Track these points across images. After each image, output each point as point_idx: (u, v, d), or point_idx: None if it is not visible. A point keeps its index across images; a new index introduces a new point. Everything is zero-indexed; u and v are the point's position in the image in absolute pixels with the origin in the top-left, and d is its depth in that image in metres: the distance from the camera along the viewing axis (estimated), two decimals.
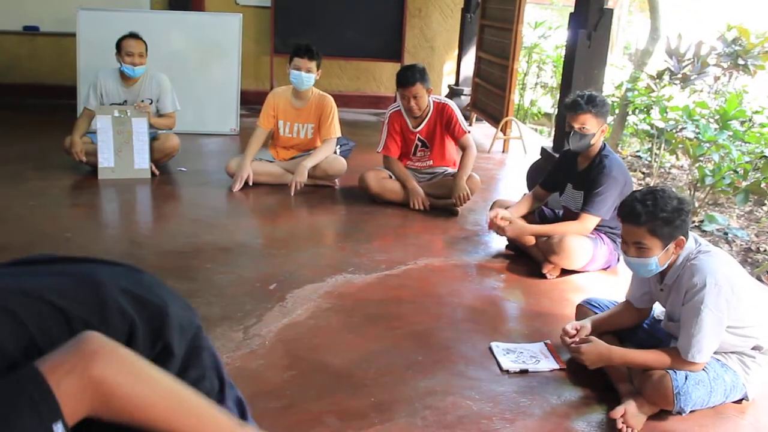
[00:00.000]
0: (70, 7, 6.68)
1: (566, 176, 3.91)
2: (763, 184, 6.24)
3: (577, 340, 2.70)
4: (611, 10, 4.71)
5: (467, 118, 7.87)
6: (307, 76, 4.88)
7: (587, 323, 2.80)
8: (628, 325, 2.85)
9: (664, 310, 2.85)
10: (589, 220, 3.67)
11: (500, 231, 3.78)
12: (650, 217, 2.45)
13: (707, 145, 6.52)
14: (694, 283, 2.44)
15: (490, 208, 4.20)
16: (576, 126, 3.66)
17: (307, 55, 4.86)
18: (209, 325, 2.95)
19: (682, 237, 2.51)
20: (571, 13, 4.87)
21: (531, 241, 3.85)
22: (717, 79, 9.15)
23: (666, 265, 2.56)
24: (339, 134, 5.08)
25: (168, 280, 3.35)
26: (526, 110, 10.55)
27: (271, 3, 7.85)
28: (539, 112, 10.44)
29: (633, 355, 2.60)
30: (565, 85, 4.84)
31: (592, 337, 2.67)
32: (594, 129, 3.66)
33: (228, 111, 6.74)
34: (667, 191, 2.52)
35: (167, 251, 3.82)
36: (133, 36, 5.06)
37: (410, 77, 4.56)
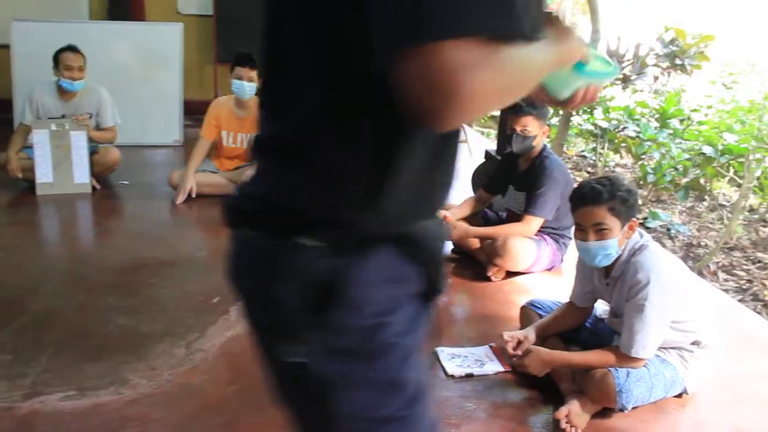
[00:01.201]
0: (4, 17, 6.53)
1: (508, 178, 3.95)
2: (702, 180, 6.40)
3: (519, 353, 2.71)
4: (549, 13, 4.75)
5: None
6: (249, 85, 4.84)
7: (531, 332, 2.80)
8: (572, 326, 2.88)
9: (606, 308, 2.90)
10: (533, 222, 3.71)
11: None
12: (610, 195, 2.47)
13: (648, 143, 6.67)
14: (639, 279, 2.46)
15: None
16: (518, 128, 3.70)
17: (248, 64, 4.83)
18: (151, 342, 2.91)
19: (635, 218, 2.54)
20: None
21: (475, 244, 3.88)
22: (656, 78, 9.33)
23: (613, 259, 2.58)
24: None
25: (109, 297, 3.33)
26: None
27: (214, 11, 7.78)
28: (485, 116, 10.52)
29: (576, 358, 2.63)
30: None
31: (532, 347, 2.68)
32: (535, 131, 3.70)
33: (171, 122, 6.66)
34: (617, 176, 2.57)
35: (108, 267, 3.74)
36: (72, 49, 4.95)
37: None
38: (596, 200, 2.48)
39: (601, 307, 2.90)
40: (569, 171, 7.63)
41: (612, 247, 2.51)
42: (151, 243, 4.11)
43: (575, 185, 2.73)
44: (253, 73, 4.82)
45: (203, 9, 7.91)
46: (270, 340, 1.14)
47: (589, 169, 8.43)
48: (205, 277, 3.66)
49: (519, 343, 2.77)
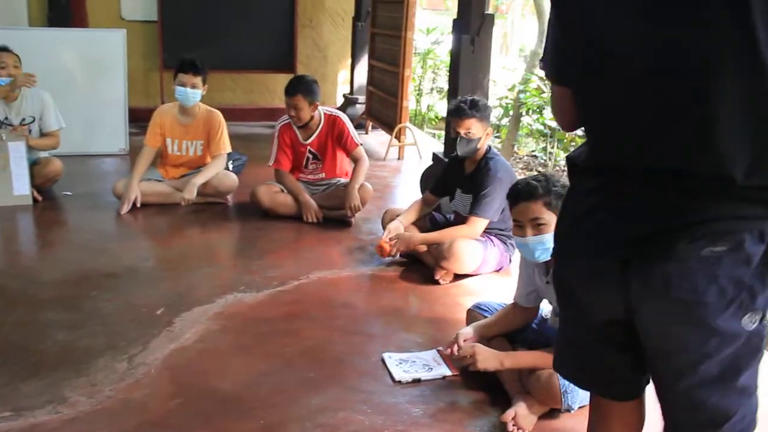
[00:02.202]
0: None
1: (455, 181, 3.96)
2: None
3: (459, 350, 2.70)
4: (492, 15, 4.80)
5: (363, 126, 7.90)
6: (192, 91, 4.77)
7: (470, 331, 2.80)
8: (517, 327, 2.88)
9: (551, 308, 2.91)
10: (478, 223, 3.72)
11: (393, 253, 3.81)
12: (545, 190, 2.50)
13: None
14: None
15: (382, 219, 4.22)
16: (462, 131, 3.71)
17: (191, 70, 4.76)
18: (91, 357, 2.84)
19: None
20: (454, 19, 4.95)
21: (422, 247, 3.87)
22: None
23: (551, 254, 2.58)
24: (229, 149, 4.99)
25: (48, 312, 3.25)
26: (424, 115, 10.67)
27: (158, 17, 7.66)
28: (436, 117, 10.57)
29: (524, 357, 2.64)
30: (452, 91, 4.91)
31: (475, 344, 2.68)
32: (479, 133, 3.71)
33: (116, 130, 6.52)
34: (553, 173, 2.59)
35: (49, 281, 3.65)
36: (3, 49, 4.88)
37: (293, 87, 4.54)
38: (532, 195, 2.52)
39: (547, 308, 2.91)
40: (516, 172, 7.72)
41: (549, 241, 2.51)
42: (94, 254, 4.02)
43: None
44: (197, 80, 4.76)
45: (148, 15, 7.78)
46: (718, 313, 1.33)
47: (540, 168, 8.51)
48: (149, 288, 3.59)
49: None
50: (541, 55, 1.61)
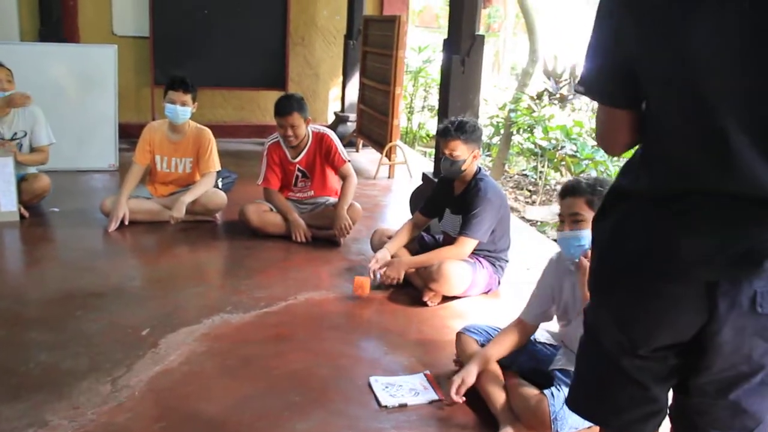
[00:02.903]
0: None
1: (444, 201, 3.95)
2: None
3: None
4: (482, 36, 4.81)
5: (353, 144, 7.91)
6: (182, 109, 4.76)
7: (472, 371, 2.73)
8: (517, 347, 2.85)
9: (546, 331, 2.90)
10: (467, 243, 3.71)
11: (383, 281, 3.79)
12: (590, 188, 2.51)
13: (585, 162, 6.76)
14: None
15: (371, 239, 4.20)
16: (446, 152, 3.71)
17: (181, 88, 4.75)
18: (75, 379, 2.80)
19: None
20: (444, 40, 4.96)
21: (412, 269, 3.86)
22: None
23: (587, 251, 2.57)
24: (218, 167, 4.97)
25: (32, 332, 3.21)
26: (415, 133, 10.68)
27: (150, 33, 7.66)
28: (428, 135, 10.58)
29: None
30: (442, 111, 4.91)
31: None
32: (465, 155, 3.71)
33: (106, 146, 6.50)
34: (605, 177, 2.63)
35: (33, 300, 3.62)
36: None
37: (287, 106, 4.52)
38: (575, 191, 2.53)
39: (539, 331, 2.90)
40: (506, 191, 7.71)
41: (585, 238, 2.50)
42: (81, 273, 3.99)
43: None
44: (187, 97, 4.75)
45: (139, 31, 7.79)
46: None
47: (531, 187, 8.52)
48: (135, 308, 3.56)
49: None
50: (584, 75, 1.50)
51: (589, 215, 2.49)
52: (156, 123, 5.07)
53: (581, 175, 6.75)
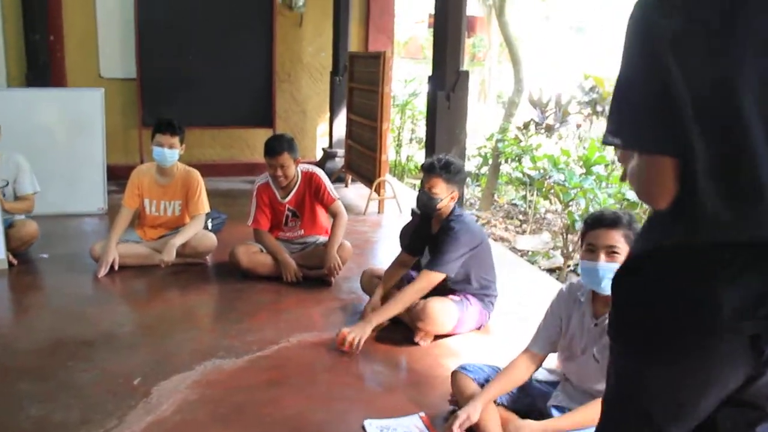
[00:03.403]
0: None
1: (424, 240, 3.96)
2: None
3: None
4: (467, 72, 4.86)
5: (342, 179, 7.93)
6: (170, 152, 4.77)
7: (475, 409, 2.69)
8: (522, 381, 2.83)
9: (542, 370, 2.89)
10: (427, 276, 3.67)
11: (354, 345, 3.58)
12: (628, 223, 2.53)
13: (574, 191, 6.79)
14: None
15: (360, 279, 4.21)
16: (426, 187, 3.73)
17: (168, 131, 4.76)
18: None
19: None
20: (429, 76, 5.01)
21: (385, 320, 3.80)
22: (579, 126, 9.61)
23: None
24: (207, 209, 4.97)
25: (21, 384, 3.18)
26: (404, 166, 10.73)
27: (137, 75, 7.70)
28: (416, 167, 10.63)
29: (561, 422, 2.59)
30: (429, 146, 4.95)
31: (523, 423, 2.62)
32: (443, 194, 3.72)
33: (95, 189, 6.50)
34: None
35: (23, 350, 3.59)
36: None
37: (277, 146, 4.54)
38: (615, 223, 2.53)
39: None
40: (488, 228, 7.73)
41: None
42: (70, 321, 3.96)
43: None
44: (174, 140, 4.76)
45: (127, 73, 7.83)
46: None
47: (521, 216, 8.55)
48: (126, 356, 3.53)
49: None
50: (620, 124, 1.43)
51: (624, 250, 2.51)
52: (144, 166, 5.08)
53: (524, 223, 6.79)
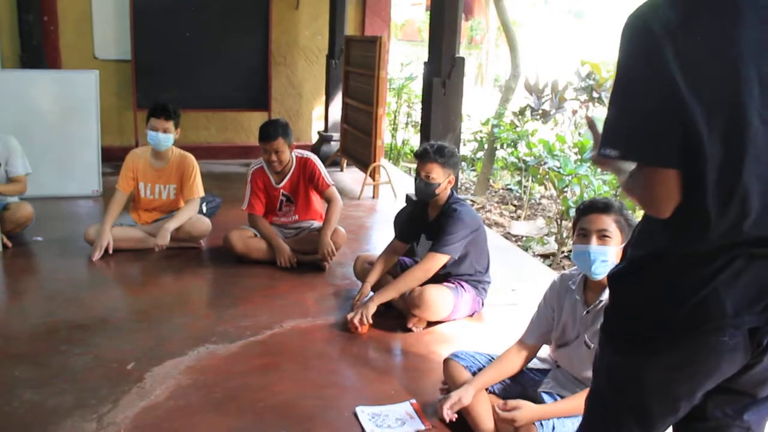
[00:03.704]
0: None
1: (419, 227, 3.98)
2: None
3: (453, 415, 2.71)
4: (462, 59, 4.85)
5: (338, 163, 7.93)
6: (164, 136, 4.77)
7: (467, 393, 2.75)
8: (515, 371, 2.87)
9: (533, 359, 2.91)
10: (434, 259, 3.69)
11: (361, 323, 3.67)
12: (619, 210, 2.57)
13: (569, 177, 6.80)
14: None
15: (354, 266, 4.22)
16: (423, 174, 3.74)
17: (163, 115, 4.75)
18: (60, 417, 2.79)
19: None
20: (425, 62, 4.99)
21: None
22: (575, 112, 9.61)
23: (608, 269, 2.59)
24: (202, 194, 4.97)
25: (15, 369, 3.19)
26: (399, 149, 10.72)
27: (132, 56, 7.66)
28: (412, 151, 10.62)
29: (557, 407, 2.62)
30: (424, 133, 4.94)
31: (521, 402, 2.64)
32: (440, 179, 3.74)
33: (89, 172, 6.49)
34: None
35: (17, 335, 3.60)
36: None
37: (272, 132, 4.54)
38: (607, 208, 2.57)
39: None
40: (489, 208, 7.74)
41: (611, 255, 2.54)
42: (65, 305, 3.98)
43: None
44: (169, 124, 4.75)
45: (121, 54, 7.79)
46: None
47: (516, 202, 8.57)
48: (120, 341, 3.55)
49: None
50: (620, 136, 1.44)
51: (615, 235, 2.55)
52: (139, 150, 5.07)
53: (519, 209, 6.80)
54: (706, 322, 1.45)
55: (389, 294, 3.73)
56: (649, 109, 1.40)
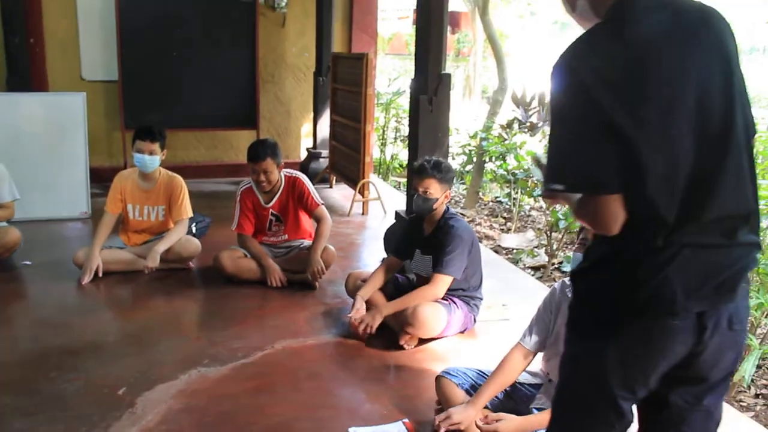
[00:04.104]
0: None
1: (414, 242, 3.98)
2: None
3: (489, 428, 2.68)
4: (449, 75, 4.87)
5: (327, 180, 7.93)
6: (150, 158, 4.77)
7: (468, 413, 2.75)
8: (518, 375, 2.86)
9: (525, 373, 2.91)
10: (442, 281, 3.73)
11: (365, 331, 3.76)
12: None
13: None
14: None
15: (345, 283, 4.22)
16: (420, 190, 3.76)
17: (149, 137, 4.76)
18: None
19: None
20: (411, 80, 5.01)
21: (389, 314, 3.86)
22: None
23: None
24: (191, 214, 4.97)
25: (5, 397, 3.17)
26: (388, 164, 10.73)
27: (119, 77, 7.66)
28: (401, 165, 10.64)
29: (534, 420, 2.63)
30: (412, 150, 4.96)
31: (505, 415, 2.66)
32: (437, 194, 3.76)
33: (78, 193, 6.46)
34: None
35: (6, 362, 3.57)
36: None
37: (260, 152, 4.54)
38: None
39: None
40: (480, 222, 7.75)
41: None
42: (54, 330, 3.95)
43: None
44: (154, 146, 4.76)
45: (109, 75, 7.78)
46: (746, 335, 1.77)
47: (505, 214, 8.58)
48: (111, 366, 3.53)
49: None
50: (565, 172, 1.59)
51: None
52: (126, 171, 5.06)
53: (509, 221, 6.81)
54: (660, 306, 1.61)
55: (396, 307, 3.78)
56: (586, 142, 1.56)
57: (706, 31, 1.62)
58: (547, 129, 9.40)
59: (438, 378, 3.05)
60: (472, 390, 2.89)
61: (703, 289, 1.60)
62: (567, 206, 1.80)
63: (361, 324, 3.73)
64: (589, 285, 1.73)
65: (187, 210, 4.92)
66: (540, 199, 8.14)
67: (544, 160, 1.80)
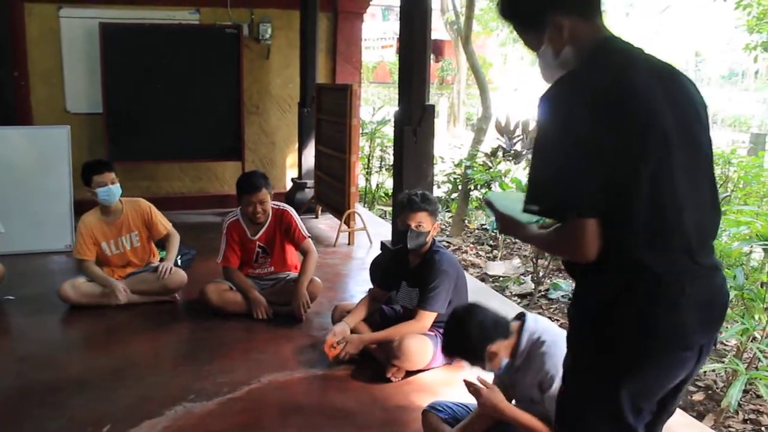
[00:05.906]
0: None
1: (400, 274, 3.99)
2: None
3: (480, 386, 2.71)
4: (432, 106, 4.91)
5: (312, 210, 7.94)
6: (114, 187, 4.84)
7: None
8: None
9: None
10: (426, 317, 3.74)
11: (341, 355, 3.78)
12: None
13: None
14: (547, 371, 2.53)
15: (332, 315, 4.21)
16: (412, 224, 3.76)
17: (105, 168, 4.84)
18: None
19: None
20: (395, 111, 5.04)
21: (372, 345, 3.86)
22: None
23: None
24: (169, 224, 5.05)
25: None
26: (374, 193, 10.76)
27: (103, 109, 7.66)
28: (386, 194, 10.66)
29: (523, 416, 2.62)
30: (397, 181, 4.97)
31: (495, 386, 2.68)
32: (429, 227, 3.78)
33: (61, 226, 6.43)
34: None
35: None
36: None
37: (257, 182, 4.57)
38: None
39: None
40: (464, 255, 7.76)
41: None
42: (38, 366, 3.92)
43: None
44: (112, 175, 4.83)
45: (92, 107, 7.79)
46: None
47: (492, 242, 8.61)
48: (96, 402, 3.49)
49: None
50: (554, 199, 1.68)
51: None
52: (87, 216, 4.98)
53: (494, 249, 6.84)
54: (678, 343, 1.74)
55: (379, 338, 3.80)
56: (572, 170, 1.64)
57: (680, 85, 1.81)
58: (530, 157, 9.48)
59: (424, 413, 3.04)
60: (454, 421, 2.89)
61: (705, 322, 1.76)
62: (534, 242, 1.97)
63: (338, 345, 3.74)
64: (603, 314, 1.76)
65: (166, 222, 5.04)
66: None
67: (493, 200, 1.97)
